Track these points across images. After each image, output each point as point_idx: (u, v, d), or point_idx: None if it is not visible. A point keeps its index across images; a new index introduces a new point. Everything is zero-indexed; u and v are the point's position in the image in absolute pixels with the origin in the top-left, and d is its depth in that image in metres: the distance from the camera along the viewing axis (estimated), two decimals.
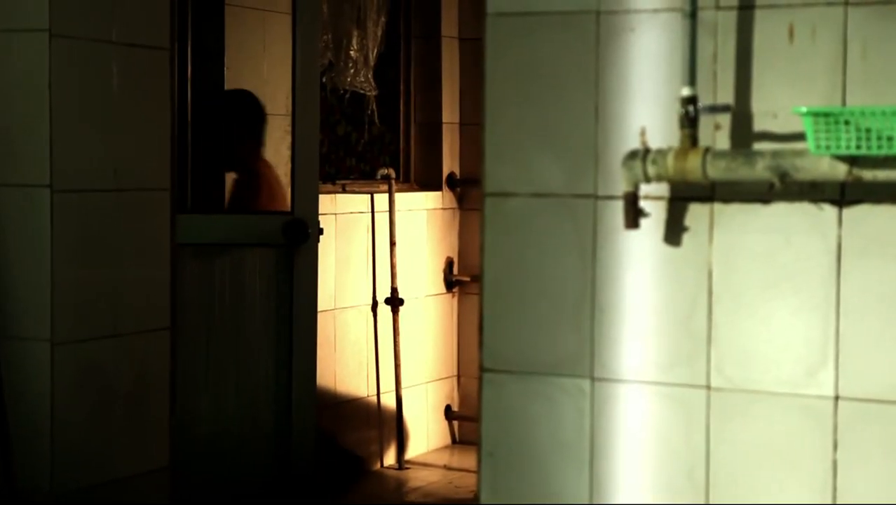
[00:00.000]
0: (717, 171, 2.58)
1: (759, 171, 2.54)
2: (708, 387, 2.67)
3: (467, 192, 6.49)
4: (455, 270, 6.47)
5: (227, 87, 5.21)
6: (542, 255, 2.80)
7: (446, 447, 6.43)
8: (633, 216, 2.66)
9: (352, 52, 6.23)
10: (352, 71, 6.16)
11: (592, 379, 2.76)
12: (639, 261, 2.72)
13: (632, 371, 2.73)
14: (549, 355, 2.79)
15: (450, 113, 6.56)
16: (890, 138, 2.39)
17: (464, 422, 6.47)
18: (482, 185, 2.89)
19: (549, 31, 2.81)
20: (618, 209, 2.72)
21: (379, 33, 6.34)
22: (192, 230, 4.19)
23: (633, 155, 2.65)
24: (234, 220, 4.64)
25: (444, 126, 6.53)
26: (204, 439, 4.21)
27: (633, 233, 2.70)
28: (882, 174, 2.45)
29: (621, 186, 2.68)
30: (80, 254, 3.60)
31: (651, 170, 2.62)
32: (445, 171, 6.53)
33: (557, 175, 2.81)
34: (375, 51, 6.32)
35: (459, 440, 6.49)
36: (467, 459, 6.05)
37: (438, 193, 6.49)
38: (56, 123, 3.50)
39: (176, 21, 3.85)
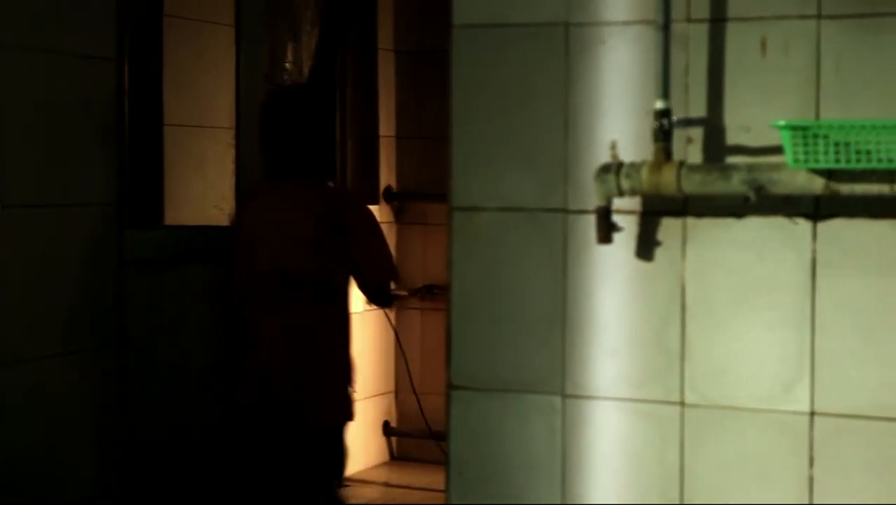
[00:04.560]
0: (691, 184, 2.56)
1: (735, 184, 2.53)
2: (681, 403, 2.64)
3: (404, 206, 6.45)
4: (392, 285, 6.42)
5: (164, 99, 5.11)
6: (511, 270, 2.76)
7: (384, 464, 6.37)
8: (606, 231, 2.63)
9: (287, 65, 6.16)
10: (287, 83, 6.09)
11: (563, 396, 2.72)
12: (611, 276, 2.69)
13: (604, 388, 2.69)
14: (519, 372, 2.74)
15: (387, 126, 6.50)
16: (868, 152, 2.39)
17: (402, 438, 6.41)
18: (449, 200, 2.84)
19: (517, 43, 2.78)
20: (589, 224, 2.69)
21: (313, 45, 6.28)
22: (138, 245, 4.09)
23: (606, 168, 2.62)
24: (180, 233, 4.54)
25: (382, 139, 6.47)
26: (156, 459, 4.11)
27: (604, 248, 2.67)
28: (859, 188, 2.45)
29: (592, 200, 2.65)
30: (24, 271, 3.49)
31: (625, 183, 2.59)
32: (382, 185, 6.48)
33: (527, 189, 2.77)
34: (310, 63, 6.25)
35: (398, 456, 6.43)
36: (407, 476, 5.99)
37: (375, 207, 6.43)
38: None
39: (125, 32, 3.76)
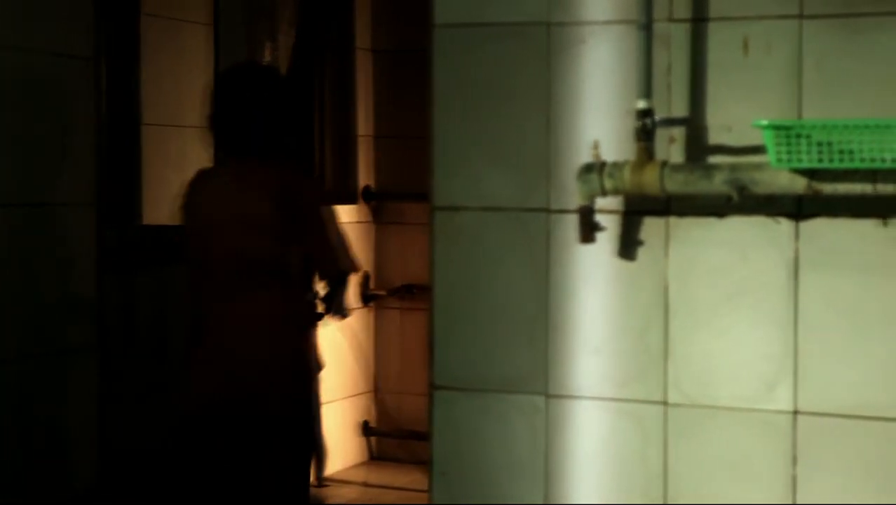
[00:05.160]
0: (675, 184, 2.56)
1: (718, 184, 2.53)
2: (664, 402, 2.64)
3: (383, 206, 6.43)
4: (371, 285, 6.40)
5: (143, 98, 5.08)
6: (493, 270, 2.76)
7: (364, 464, 6.35)
8: (589, 230, 2.62)
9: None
10: None
11: (546, 396, 2.72)
12: (593, 275, 2.69)
13: (587, 387, 2.69)
14: (502, 372, 2.74)
15: (365, 125, 6.49)
16: (850, 151, 2.39)
17: (381, 438, 6.40)
18: (430, 200, 2.84)
19: (498, 42, 2.77)
20: (571, 223, 2.68)
21: (290, 45, 6.26)
22: (116, 245, 4.07)
23: (589, 168, 2.61)
24: (158, 233, 4.51)
25: (360, 138, 6.46)
26: (130, 460, 4.09)
27: (587, 247, 2.67)
28: (842, 187, 2.45)
29: (574, 200, 2.65)
30: (1, 272, 3.46)
31: (608, 183, 2.59)
32: (361, 185, 6.46)
33: (509, 189, 2.76)
34: (288, 63, 6.24)
35: (377, 456, 6.42)
36: (386, 476, 5.98)
37: (354, 207, 6.42)
38: None
39: (102, 30, 3.74)
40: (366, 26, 6.56)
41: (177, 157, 5.07)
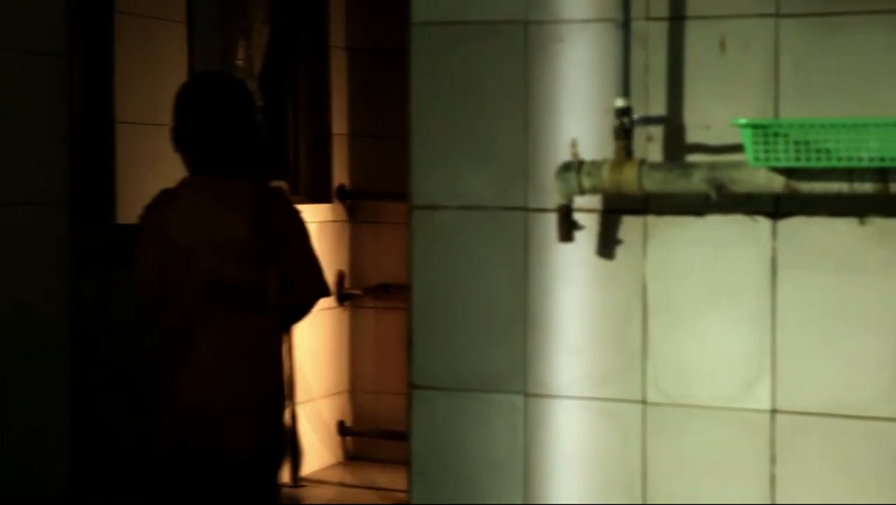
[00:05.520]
0: (653, 183, 2.56)
1: (696, 183, 2.53)
2: (643, 401, 2.64)
3: (358, 205, 6.42)
4: (346, 284, 6.39)
5: (117, 96, 5.06)
6: (472, 269, 2.75)
7: (340, 464, 6.34)
8: (567, 229, 2.62)
9: (238, 62, 6.12)
10: None
11: (525, 395, 2.71)
12: (572, 274, 2.69)
13: (566, 386, 2.69)
14: (481, 371, 2.74)
15: (340, 124, 6.47)
16: (827, 150, 2.39)
17: (358, 438, 6.39)
18: (409, 198, 2.83)
19: (476, 41, 2.77)
20: (549, 222, 2.68)
21: (264, 43, 6.24)
22: (91, 243, 4.04)
23: (567, 167, 2.61)
24: (133, 232, 4.48)
25: (335, 137, 6.44)
26: (104, 464, 4.07)
27: (565, 246, 2.66)
28: (820, 186, 2.45)
29: (553, 199, 2.64)
30: None
31: (586, 182, 2.58)
32: (336, 183, 6.45)
33: (487, 187, 2.76)
34: (261, 61, 6.21)
35: (353, 456, 6.40)
36: (362, 476, 5.97)
37: (329, 206, 6.40)
38: None
39: (74, 28, 3.71)
40: (341, 24, 6.54)
41: (152, 156, 5.05)
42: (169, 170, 5.12)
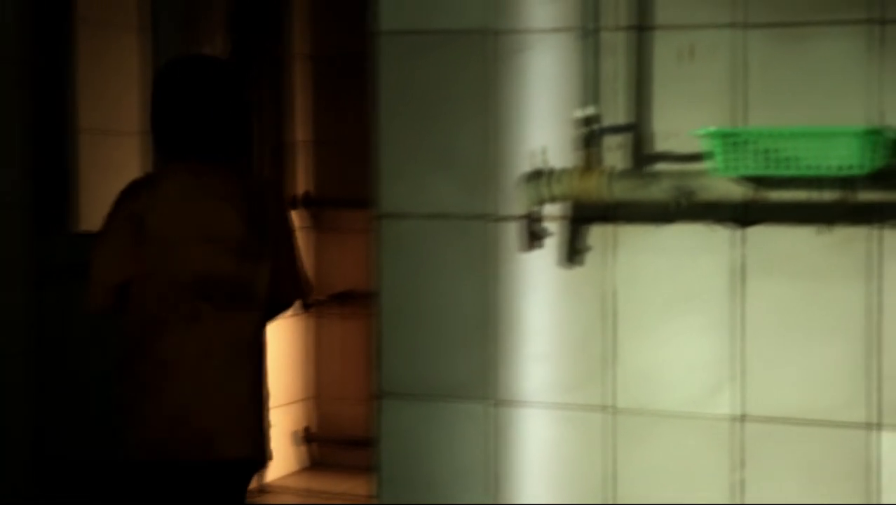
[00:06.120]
0: (621, 190, 2.57)
1: (664, 190, 2.54)
2: (611, 408, 2.65)
3: (322, 212, 6.41)
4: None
5: (79, 103, 5.02)
6: (439, 277, 2.75)
7: (304, 470, 6.32)
8: (533, 237, 2.63)
9: None
10: None
11: (493, 402, 2.72)
12: (539, 282, 2.70)
13: (534, 393, 2.69)
14: (449, 379, 2.74)
15: (303, 131, 6.46)
16: (794, 159, 2.41)
17: (322, 444, 6.38)
18: (374, 207, 2.83)
19: (442, 49, 2.77)
20: (516, 230, 2.69)
21: (223, 51, 6.22)
22: (53, 251, 4.01)
23: (534, 175, 2.62)
24: (91, 240, 4.46)
25: (298, 145, 6.43)
26: (65, 469, 4.04)
27: (532, 254, 2.67)
28: (785, 195, 2.48)
29: (519, 207, 2.65)
30: None
31: (554, 189, 2.60)
32: (299, 191, 6.44)
33: (453, 196, 2.76)
34: None
35: (317, 463, 6.39)
36: (328, 483, 5.95)
37: (293, 213, 6.39)
38: None
39: (34, 34, 3.69)
40: (303, 33, 6.53)
41: (115, 164, 5.02)
42: (130, 177, 5.09)
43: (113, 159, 5.08)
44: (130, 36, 5.16)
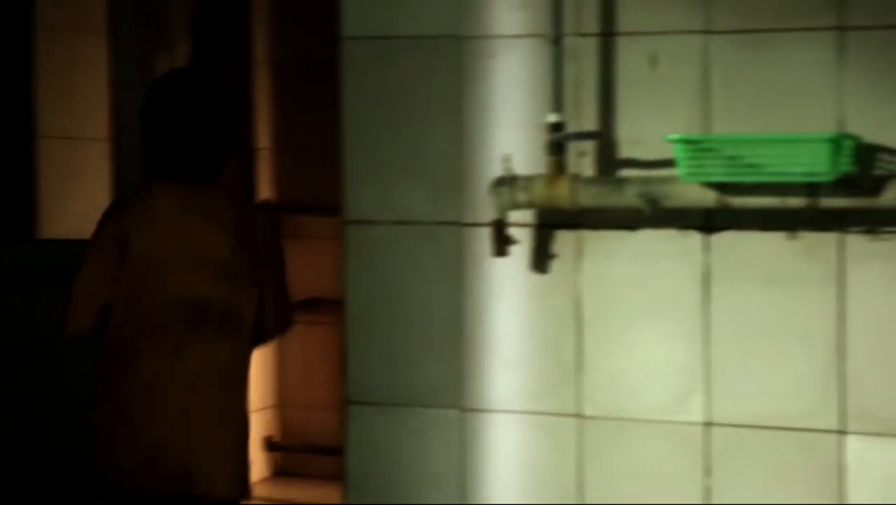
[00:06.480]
0: (587, 197, 2.57)
1: (629, 197, 2.55)
2: (579, 415, 2.65)
3: (285, 219, 6.38)
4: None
5: (39, 109, 4.99)
6: (406, 284, 2.75)
7: (268, 479, 6.30)
8: (502, 244, 2.63)
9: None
10: None
11: (461, 409, 2.71)
12: (507, 289, 2.69)
13: (502, 401, 2.69)
14: (417, 386, 2.73)
15: (265, 138, 6.44)
16: (759, 165, 2.42)
17: (286, 453, 6.35)
18: (342, 213, 2.82)
19: (408, 55, 2.77)
20: (484, 236, 2.68)
21: (185, 56, 6.20)
22: (12, 259, 3.98)
23: (501, 182, 2.62)
24: (56, 247, 4.43)
25: (260, 151, 6.41)
26: (27, 479, 4.00)
27: (500, 261, 2.67)
28: (751, 201, 2.48)
29: (487, 213, 2.65)
30: None
31: (520, 196, 2.59)
32: (262, 198, 6.41)
33: (420, 202, 2.76)
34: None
35: (282, 471, 6.36)
36: (292, 491, 5.93)
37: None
38: None
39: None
40: (265, 38, 6.51)
41: (77, 170, 4.99)
42: (94, 184, 5.07)
43: (78, 165, 5.04)
44: (98, 41, 5.13)
